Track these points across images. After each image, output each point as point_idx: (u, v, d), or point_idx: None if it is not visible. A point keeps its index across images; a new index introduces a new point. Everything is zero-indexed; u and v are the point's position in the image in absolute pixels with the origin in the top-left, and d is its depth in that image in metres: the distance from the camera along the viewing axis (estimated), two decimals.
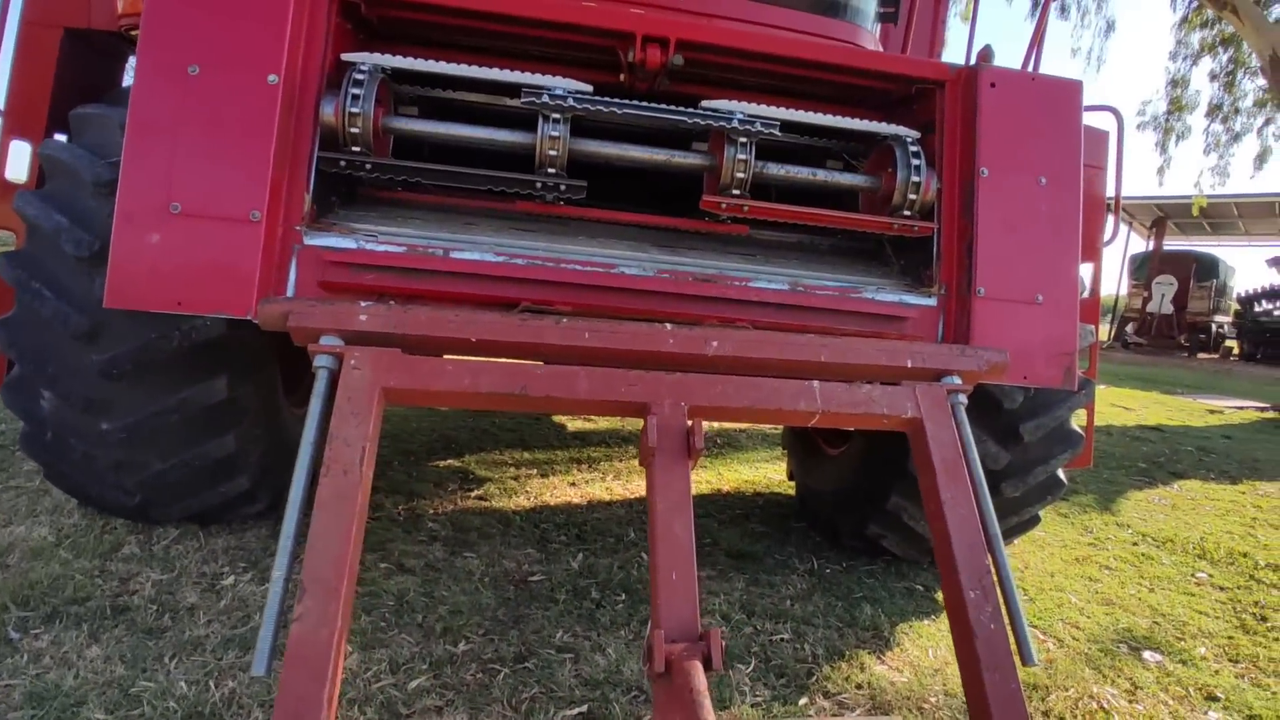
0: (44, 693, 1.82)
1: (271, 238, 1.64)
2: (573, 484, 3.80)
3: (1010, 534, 2.98)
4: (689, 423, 1.19)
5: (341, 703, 1.91)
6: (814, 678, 2.26)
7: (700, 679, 0.97)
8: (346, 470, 1.07)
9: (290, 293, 1.68)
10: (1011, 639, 1.18)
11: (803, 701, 2.13)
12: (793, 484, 3.91)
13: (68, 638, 2.05)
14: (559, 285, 1.77)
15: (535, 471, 3.94)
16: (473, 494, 3.46)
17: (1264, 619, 3.10)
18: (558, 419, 5.08)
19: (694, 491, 3.91)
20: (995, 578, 1.22)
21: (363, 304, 1.20)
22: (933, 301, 1.95)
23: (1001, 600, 1.21)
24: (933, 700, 2.23)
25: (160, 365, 2.33)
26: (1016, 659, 1.17)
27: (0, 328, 2.41)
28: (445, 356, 1.25)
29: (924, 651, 2.50)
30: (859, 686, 2.25)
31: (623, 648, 2.28)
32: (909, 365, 1.37)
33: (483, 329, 1.23)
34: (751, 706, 2.06)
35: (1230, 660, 2.73)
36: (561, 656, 2.20)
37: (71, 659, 1.96)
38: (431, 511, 3.20)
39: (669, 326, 1.31)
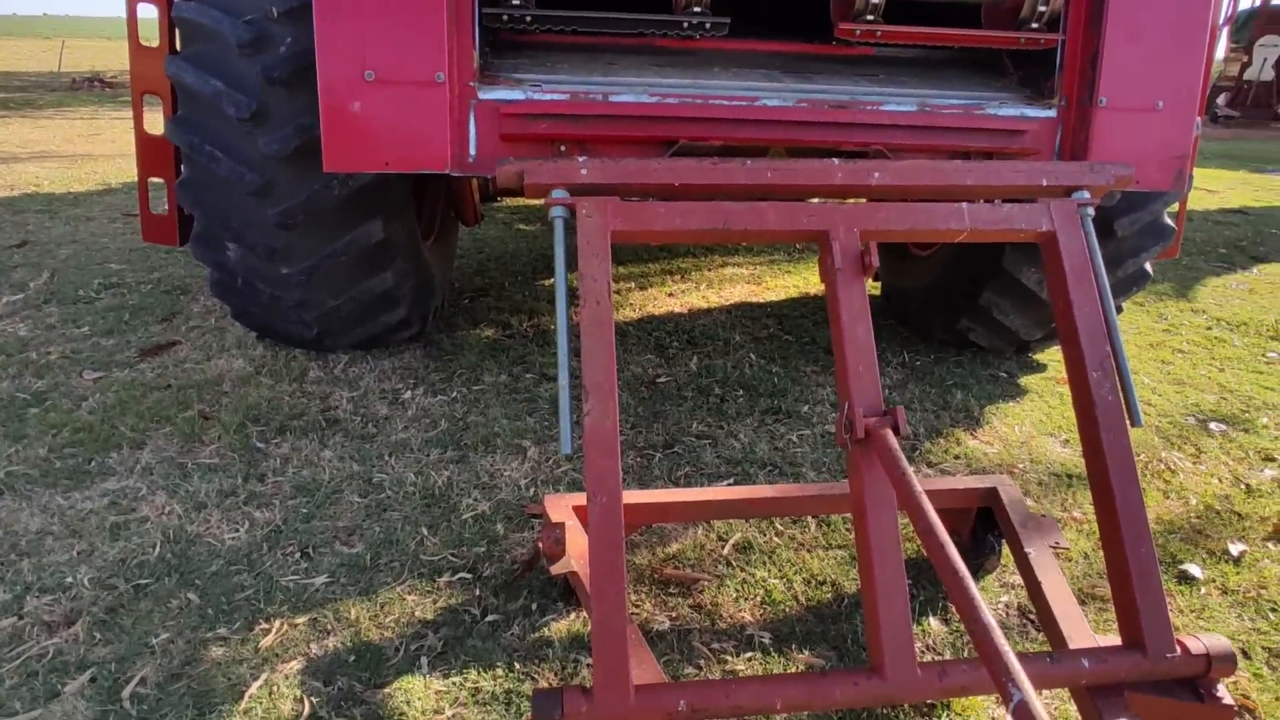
0: (308, 485, 2.30)
1: (453, 95, 1.83)
2: (670, 294, 4.10)
3: None
4: (863, 245, 1.42)
5: (542, 484, 2.36)
6: (918, 452, 2.64)
7: (894, 441, 1.28)
8: (599, 301, 1.35)
9: (473, 146, 1.89)
10: (1124, 407, 1.47)
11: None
12: (876, 284, 4.13)
13: (302, 445, 2.52)
14: (709, 121, 1.93)
15: (633, 285, 4.24)
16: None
17: None
18: None
19: (785, 296, 4.18)
20: (1113, 361, 1.49)
21: (580, 159, 1.41)
22: (1052, 113, 2.05)
23: (1117, 377, 1.48)
24: (1021, 467, 2.60)
25: (326, 213, 2.61)
26: (1127, 421, 1.46)
27: (181, 189, 2.69)
28: (652, 200, 1.48)
29: (1011, 428, 2.85)
30: (957, 458, 2.63)
31: (751, 433, 2.67)
32: (1044, 183, 1.54)
33: (683, 174, 1.43)
34: None
35: None
36: (701, 442, 2.61)
37: (314, 460, 2.44)
38: (553, 327, 3.56)
39: (837, 161, 1.49)
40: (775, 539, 2.14)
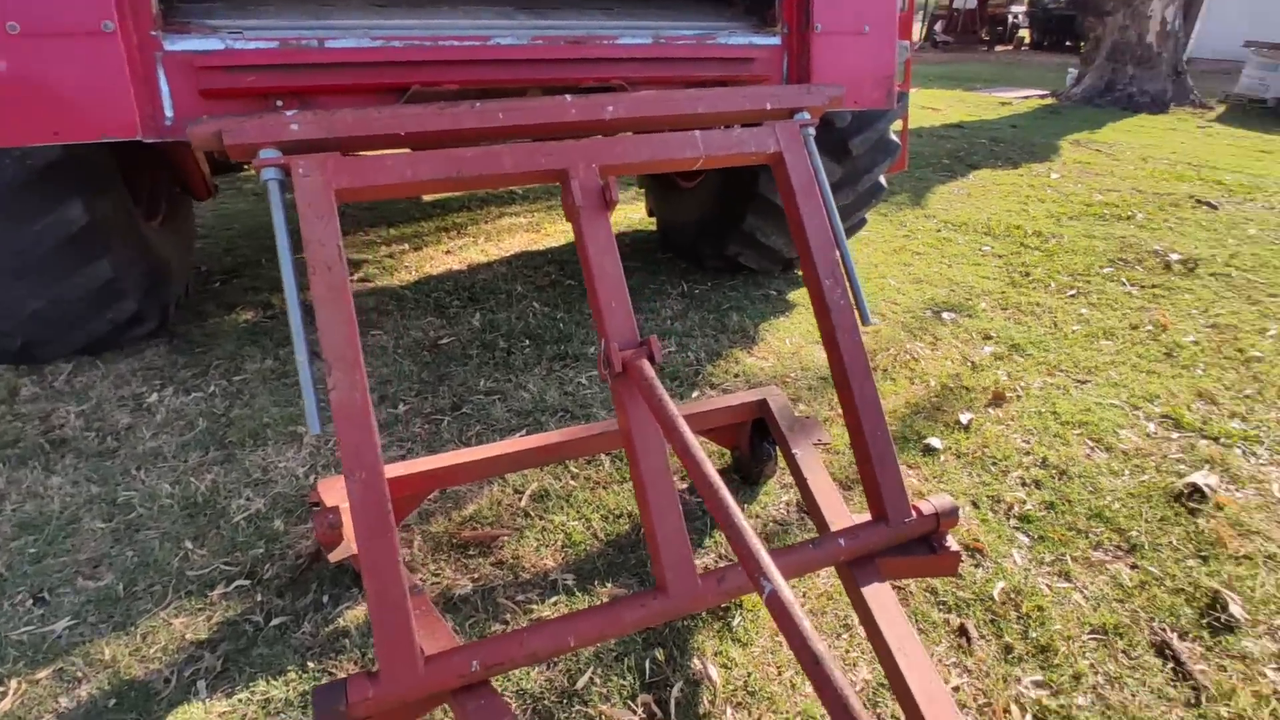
0: (32, 520, 1.98)
1: (130, 47, 1.56)
2: (448, 252, 3.94)
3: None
4: (602, 181, 1.42)
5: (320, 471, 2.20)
6: (700, 375, 2.77)
7: (650, 371, 1.31)
8: (330, 266, 1.24)
9: (168, 106, 1.64)
10: (854, 309, 1.61)
11: (695, 394, 2.65)
12: (653, 220, 4.26)
13: (22, 475, 2.15)
14: (441, 64, 1.81)
15: (407, 246, 4.03)
16: (355, 279, 3.56)
17: (1027, 274, 3.93)
18: None
19: (565, 242, 4.17)
20: (842, 268, 1.62)
21: (289, 113, 1.26)
22: (776, 40, 2.16)
23: (847, 283, 1.62)
24: (793, 376, 2.82)
25: (4, 199, 2.19)
26: (858, 321, 1.61)
27: None
28: (379, 152, 1.37)
29: (782, 341, 3.07)
30: (736, 375, 2.79)
31: (540, 383, 2.66)
32: (768, 107, 1.63)
33: (409, 122, 1.34)
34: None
35: (1002, 309, 3.52)
36: (490, 399, 2.56)
37: (39, 490, 2.10)
38: None
39: (569, 98, 1.46)
40: (571, 482, 2.17)
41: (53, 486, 2.11)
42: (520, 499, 2.09)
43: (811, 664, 0.92)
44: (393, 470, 1.69)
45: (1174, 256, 4.19)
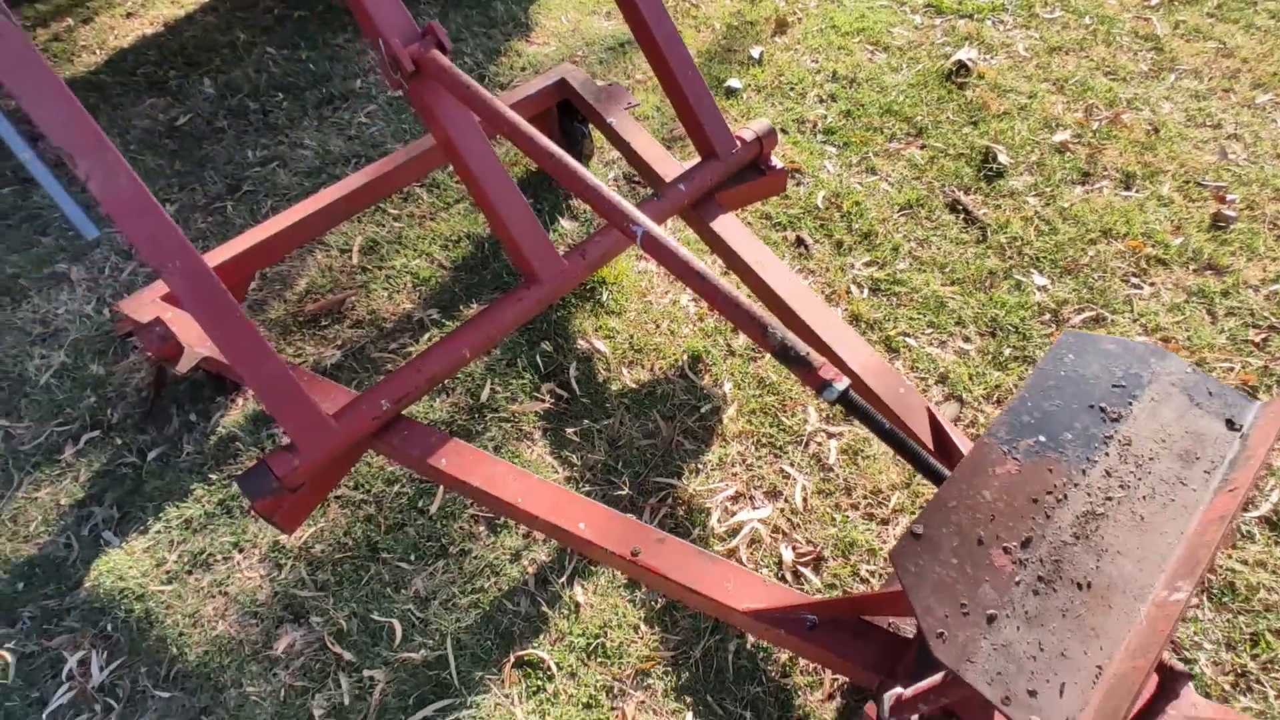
0: None
1: None
2: (129, 14, 3.16)
3: None
4: None
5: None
6: (485, 79, 2.55)
7: (446, 60, 1.18)
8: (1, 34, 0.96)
9: None
10: None
11: None
12: None
13: None
14: None
15: (72, 21, 3.19)
16: None
17: None
18: None
19: None
20: None
21: None
22: None
23: None
24: (580, 53, 2.66)
25: None
26: None
27: None
28: None
29: (558, 21, 2.84)
30: (522, 69, 2.60)
31: (317, 134, 2.37)
32: None
33: None
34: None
35: None
36: (269, 168, 2.27)
37: None
38: None
39: None
40: (395, 224, 2.05)
41: None
42: (350, 257, 1.97)
43: (699, 281, 0.99)
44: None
45: None
